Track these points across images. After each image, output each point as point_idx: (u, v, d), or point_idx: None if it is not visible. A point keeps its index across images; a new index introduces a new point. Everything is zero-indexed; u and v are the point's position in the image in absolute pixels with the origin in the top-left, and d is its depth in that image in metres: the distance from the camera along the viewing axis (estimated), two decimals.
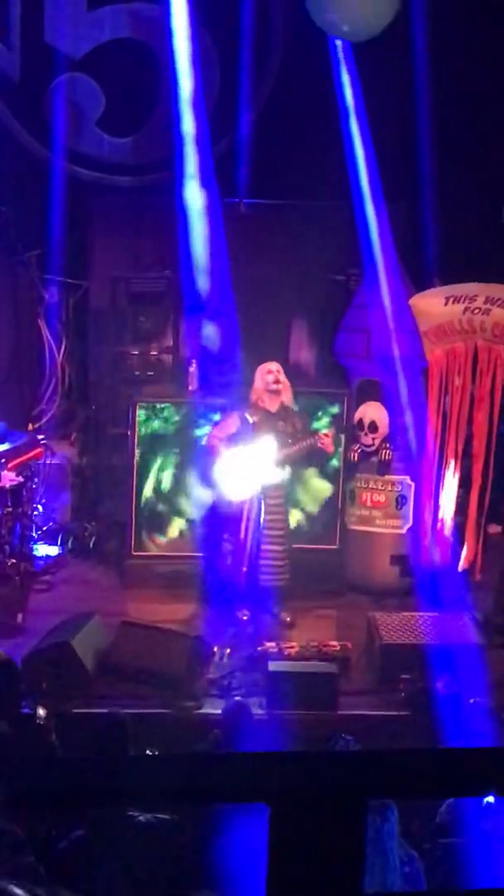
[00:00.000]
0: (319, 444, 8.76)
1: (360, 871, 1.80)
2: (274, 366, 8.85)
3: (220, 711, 7.20)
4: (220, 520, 9.00)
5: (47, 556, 9.73)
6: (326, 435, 8.79)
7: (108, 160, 10.97)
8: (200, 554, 9.47)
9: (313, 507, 9.77)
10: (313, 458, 9.13)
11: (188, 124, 10.18)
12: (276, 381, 8.75)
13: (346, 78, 9.70)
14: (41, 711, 6.82)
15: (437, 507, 9.49)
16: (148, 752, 6.39)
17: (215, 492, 8.74)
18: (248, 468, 8.47)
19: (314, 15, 8.88)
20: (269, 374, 8.78)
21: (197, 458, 9.23)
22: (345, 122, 9.75)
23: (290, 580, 9.05)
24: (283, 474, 8.75)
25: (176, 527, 9.69)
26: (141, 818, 5.05)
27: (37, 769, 2.04)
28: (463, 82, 10.25)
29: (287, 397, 8.84)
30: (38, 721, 6.74)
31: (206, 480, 8.82)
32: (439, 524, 9.48)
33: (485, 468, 9.41)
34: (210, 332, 10.00)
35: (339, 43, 9.65)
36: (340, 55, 9.70)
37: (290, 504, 9.27)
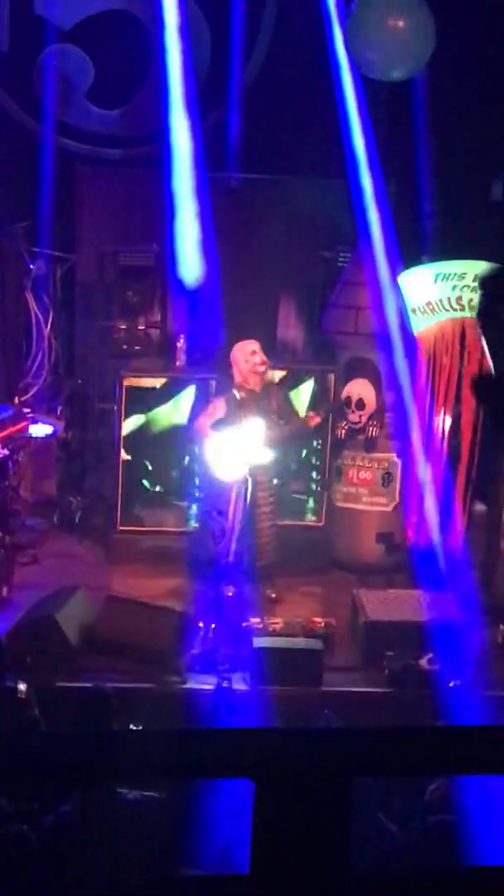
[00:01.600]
0: (311, 424, 8.82)
1: (345, 847, 1.80)
2: (256, 345, 8.81)
3: (207, 686, 7.20)
4: (208, 498, 9.01)
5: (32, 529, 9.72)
6: (312, 417, 8.79)
7: (96, 132, 10.93)
8: (187, 529, 9.48)
9: None
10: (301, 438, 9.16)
11: (178, 97, 10.13)
12: (263, 363, 8.74)
13: (341, 52, 9.65)
14: (21, 686, 6.82)
15: (423, 486, 9.49)
16: (132, 726, 6.40)
17: (205, 472, 8.75)
18: (237, 449, 8.48)
19: (352, 53, 8.87)
20: (253, 354, 8.75)
21: (186, 440, 9.23)
22: (339, 97, 9.71)
23: (277, 557, 9.05)
24: (272, 455, 8.75)
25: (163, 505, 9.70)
26: (129, 795, 5.06)
27: (19, 743, 2.03)
28: (457, 61, 10.20)
29: (268, 375, 8.85)
30: (18, 696, 6.74)
31: (197, 462, 8.86)
32: (426, 502, 9.48)
33: (471, 447, 9.41)
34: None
35: (333, 17, 9.60)
36: (336, 29, 9.65)
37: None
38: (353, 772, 1.74)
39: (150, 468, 9.74)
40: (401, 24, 8.61)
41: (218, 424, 8.69)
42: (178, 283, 10.22)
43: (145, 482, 9.75)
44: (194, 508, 9.58)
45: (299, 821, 1.70)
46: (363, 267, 9.44)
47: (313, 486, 9.91)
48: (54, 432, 10.30)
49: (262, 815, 1.71)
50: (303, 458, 9.85)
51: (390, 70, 8.80)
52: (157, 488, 9.78)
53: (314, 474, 9.91)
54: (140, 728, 6.13)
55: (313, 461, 9.91)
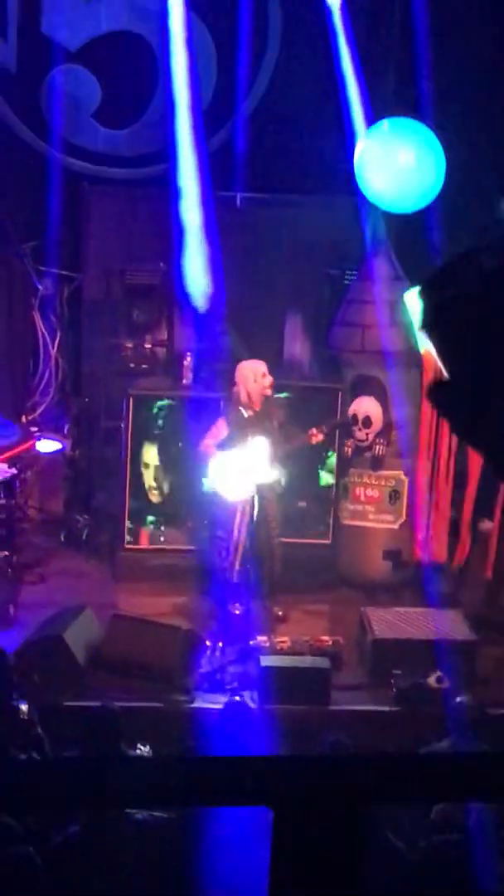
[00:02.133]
0: (312, 440, 8.80)
1: (362, 875, 1.79)
2: (264, 367, 8.79)
3: (214, 705, 7.19)
4: (214, 516, 8.98)
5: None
6: (315, 434, 8.79)
7: (103, 152, 10.94)
8: (193, 548, 9.47)
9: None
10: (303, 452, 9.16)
11: (184, 117, 10.15)
12: (272, 384, 8.74)
13: (346, 71, 9.68)
14: (23, 706, 6.82)
15: (430, 503, 9.49)
16: (140, 745, 6.39)
17: (211, 491, 8.76)
18: (242, 468, 8.48)
19: (363, 186, 9.02)
20: (264, 377, 8.73)
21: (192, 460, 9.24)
22: (346, 115, 9.73)
23: (282, 574, 9.05)
24: (277, 472, 8.75)
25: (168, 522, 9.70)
26: (137, 816, 5.04)
27: (30, 769, 2.02)
28: (461, 81, 10.23)
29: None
30: (21, 716, 6.73)
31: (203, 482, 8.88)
32: (433, 519, 9.48)
33: (479, 464, 9.41)
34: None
35: (340, 36, 9.64)
36: (342, 48, 9.68)
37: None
38: (373, 798, 1.73)
39: (157, 486, 9.75)
40: (409, 158, 8.81)
41: (222, 444, 8.70)
42: (185, 301, 10.23)
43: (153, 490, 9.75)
44: (200, 527, 9.56)
45: (319, 847, 1.69)
46: (370, 285, 9.45)
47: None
48: (62, 449, 10.30)
49: (281, 841, 1.70)
50: (322, 484, 9.84)
51: (398, 202, 8.93)
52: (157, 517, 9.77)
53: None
54: (154, 752, 6.12)
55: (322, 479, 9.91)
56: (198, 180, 10.18)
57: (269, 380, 8.72)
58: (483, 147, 10.28)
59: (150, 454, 9.76)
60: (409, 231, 9.97)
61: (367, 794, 1.74)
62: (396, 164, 8.77)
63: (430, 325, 2.43)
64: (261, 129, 10.82)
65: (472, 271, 2.40)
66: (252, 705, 7.58)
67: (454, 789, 1.90)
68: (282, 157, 10.75)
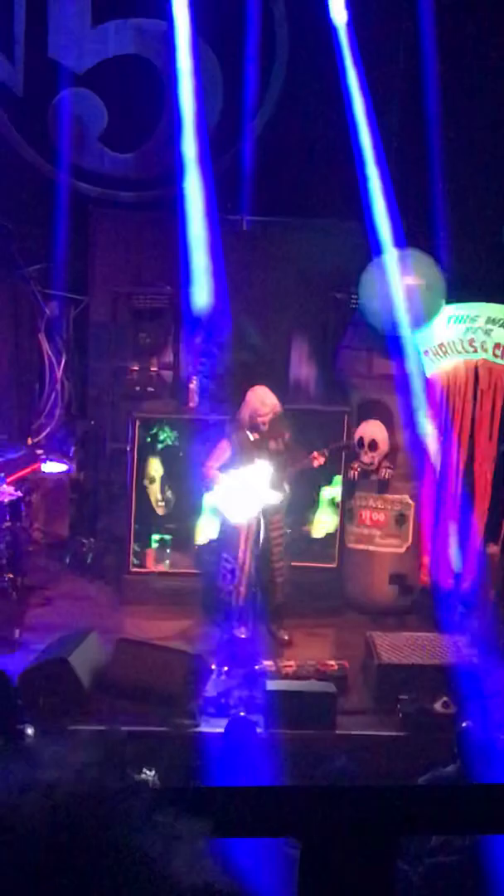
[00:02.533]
0: (314, 464, 8.78)
1: None
2: (272, 399, 8.76)
3: (220, 729, 7.15)
4: (220, 539, 9.02)
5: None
6: (317, 457, 8.76)
7: (110, 175, 10.95)
8: (199, 571, 9.46)
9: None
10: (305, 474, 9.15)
11: (190, 140, 10.17)
12: (274, 411, 8.72)
13: (354, 94, 9.70)
14: (29, 730, 6.78)
15: (437, 527, 9.47)
16: (146, 770, 6.34)
17: (217, 515, 8.75)
18: (247, 491, 8.47)
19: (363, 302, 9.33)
20: (274, 408, 8.72)
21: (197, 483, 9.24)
22: (353, 140, 9.75)
23: (288, 597, 9.05)
24: (282, 495, 8.73)
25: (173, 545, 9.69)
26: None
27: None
28: (469, 107, 10.25)
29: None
30: (26, 740, 6.69)
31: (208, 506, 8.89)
32: (439, 544, 9.46)
33: (485, 487, 9.39)
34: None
35: (347, 59, 9.67)
36: (349, 72, 9.71)
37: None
38: (400, 830, 1.71)
39: (163, 498, 9.72)
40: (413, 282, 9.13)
41: (225, 467, 8.69)
42: (191, 324, 10.24)
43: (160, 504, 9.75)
44: (205, 550, 9.55)
45: (346, 879, 1.67)
46: None
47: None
48: (67, 472, 10.29)
49: (308, 874, 1.67)
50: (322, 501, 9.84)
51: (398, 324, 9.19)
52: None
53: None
54: (159, 777, 6.08)
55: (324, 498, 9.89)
56: (204, 203, 10.19)
57: (268, 409, 8.67)
58: (489, 165, 10.30)
59: (155, 467, 9.74)
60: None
61: (396, 826, 1.71)
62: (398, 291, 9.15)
63: None
64: (267, 153, 10.83)
65: None
66: (259, 730, 7.54)
67: (488, 821, 1.87)
68: (288, 181, 10.77)
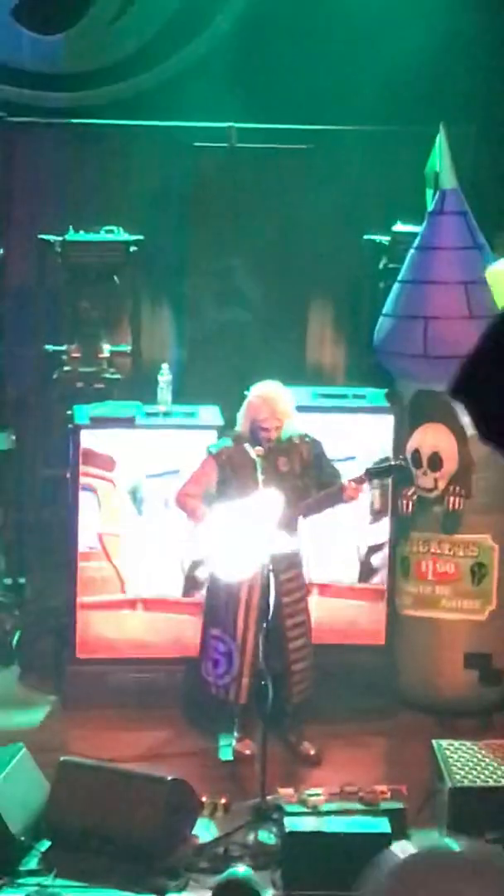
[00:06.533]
0: (346, 497, 8.74)
1: None
2: (283, 399, 8.83)
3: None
4: (208, 608, 9.03)
5: None
6: (351, 488, 8.73)
7: (30, 68, 10.99)
8: (177, 655, 9.46)
9: None
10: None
11: (143, 14, 10.21)
12: (285, 417, 8.75)
13: None
14: None
15: None
16: None
17: (202, 568, 8.78)
18: (246, 534, 8.48)
19: None
20: (266, 420, 8.76)
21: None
22: None
23: (315, 693, 9.05)
24: (297, 538, 8.74)
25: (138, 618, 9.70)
26: None
27: None
28: None
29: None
30: None
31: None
32: None
33: None
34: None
35: None
36: None
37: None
38: None
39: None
40: None
41: (212, 497, 8.73)
42: (157, 286, 10.26)
43: None
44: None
45: None
46: (434, 257, 9.47)
47: None
48: None
49: None
50: None
51: None
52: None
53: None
54: None
55: None
56: (165, 107, 10.25)
57: (278, 415, 8.70)
58: None
59: None
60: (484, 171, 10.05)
61: None
62: None
63: None
64: (257, 27, 10.86)
65: None
66: (274, 893, 7.53)
67: None
68: (296, 69, 10.78)
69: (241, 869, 7.54)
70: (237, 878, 7.00)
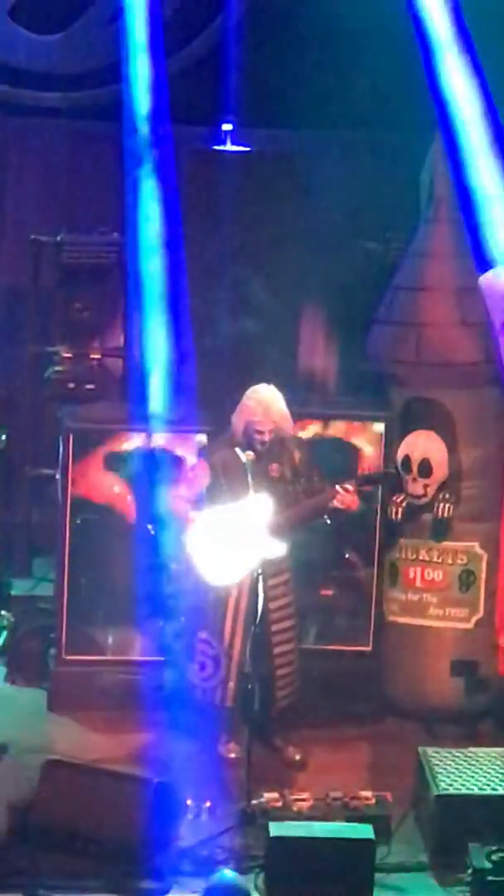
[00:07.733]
0: (336, 503, 8.76)
1: None
2: (276, 403, 8.87)
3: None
4: (195, 613, 9.05)
5: None
6: (347, 490, 8.77)
7: (26, 68, 11.02)
8: (163, 658, 9.50)
9: None
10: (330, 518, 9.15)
11: (142, 15, 10.24)
12: (280, 424, 8.78)
13: None
14: None
15: None
16: None
17: (189, 573, 8.78)
18: (236, 539, 8.50)
19: None
20: (265, 413, 8.79)
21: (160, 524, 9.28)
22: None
23: (300, 697, 9.09)
24: (285, 545, 8.76)
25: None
26: None
27: None
28: None
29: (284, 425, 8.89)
30: None
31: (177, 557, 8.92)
32: None
33: None
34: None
35: None
36: None
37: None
38: None
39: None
40: None
41: (202, 500, 8.75)
42: (150, 289, 10.29)
43: None
44: (171, 627, 9.60)
45: None
46: (427, 264, 9.49)
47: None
48: None
49: None
50: None
51: None
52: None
53: None
54: None
55: None
56: (166, 109, 10.25)
57: (271, 420, 8.73)
58: None
59: None
60: None
61: None
62: None
63: None
64: (259, 30, 10.88)
65: None
66: None
67: None
68: (292, 75, 10.81)
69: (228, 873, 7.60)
70: (228, 881, 7.04)
